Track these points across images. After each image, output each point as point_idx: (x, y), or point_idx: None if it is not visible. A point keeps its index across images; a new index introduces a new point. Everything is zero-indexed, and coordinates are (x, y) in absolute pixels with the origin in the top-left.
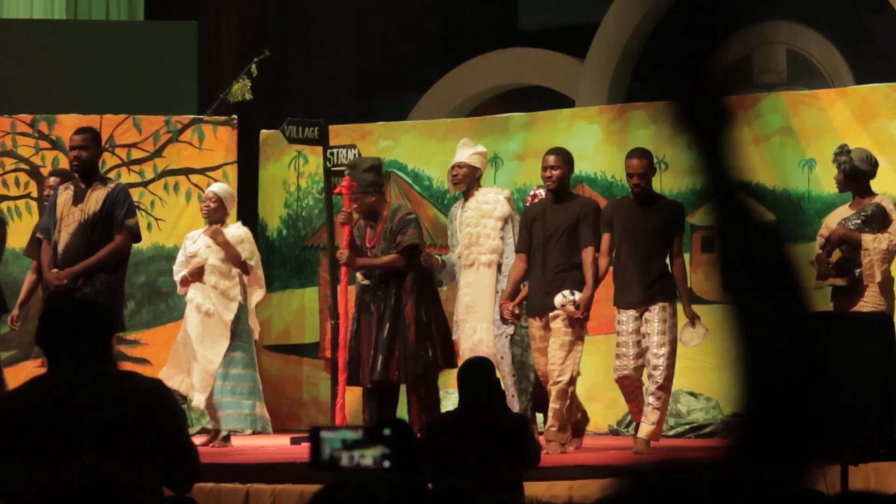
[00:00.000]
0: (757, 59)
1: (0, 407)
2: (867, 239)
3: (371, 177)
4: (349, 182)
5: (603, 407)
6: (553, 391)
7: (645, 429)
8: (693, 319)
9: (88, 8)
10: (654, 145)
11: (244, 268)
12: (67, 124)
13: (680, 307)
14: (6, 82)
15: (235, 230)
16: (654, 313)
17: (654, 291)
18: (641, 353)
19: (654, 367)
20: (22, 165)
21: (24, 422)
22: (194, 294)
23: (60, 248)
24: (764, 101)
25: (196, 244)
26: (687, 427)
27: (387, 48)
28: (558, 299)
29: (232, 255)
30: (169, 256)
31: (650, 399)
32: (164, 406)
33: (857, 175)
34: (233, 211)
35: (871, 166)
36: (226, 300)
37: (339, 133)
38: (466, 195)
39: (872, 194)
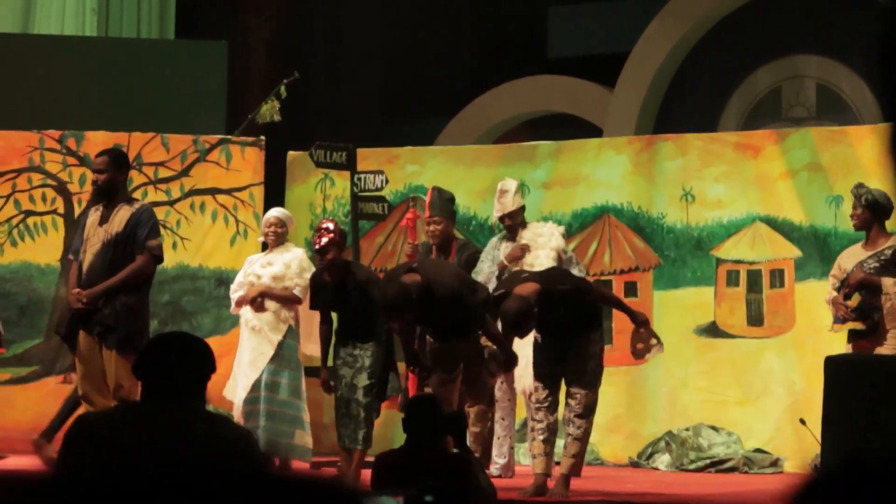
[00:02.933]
0: (787, 93)
1: (85, 425)
2: (888, 283)
3: (452, 207)
4: (415, 213)
5: (623, 438)
6: (471, 413)
7: (565, 463)
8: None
9: (119, 25)
10: (681, 177)
11: (296, 300)
12: (95, 141)
13: None
14: (35, 98)
15: (293, 256)
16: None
17: None
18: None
19: (572, 396)
20: (49, 181)
21: (106, 444)
22: (245, 310)
23: (85, 267)
24: (792, 135)
25: (253, 266)
26: (707, 461)
27: (416, 72)
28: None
29: (286, 301)
30: (194, 276)
31: (569, 429)
32: (254, 459)
33: (877, 209)
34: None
35: (890, 204)
36: (276, 320)
37: (366, 156)
38: (516, 231)
39: (888, 234)
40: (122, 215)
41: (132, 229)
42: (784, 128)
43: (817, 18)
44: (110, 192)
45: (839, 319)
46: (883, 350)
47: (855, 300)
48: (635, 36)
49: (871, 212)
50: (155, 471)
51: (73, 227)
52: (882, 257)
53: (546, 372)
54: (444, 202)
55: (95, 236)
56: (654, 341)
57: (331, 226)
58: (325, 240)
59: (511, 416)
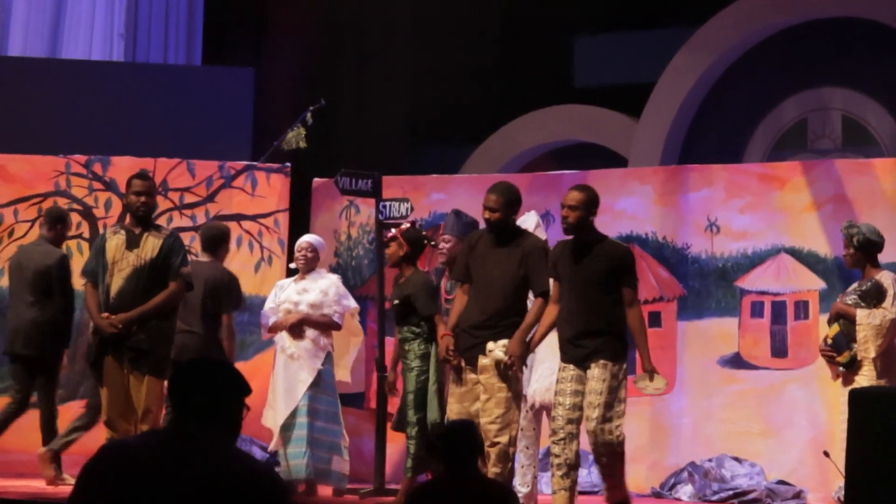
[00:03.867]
0: (812, 125)
1: (108, 452)
2: (861, 314)
3: (468, 230)
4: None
5: (646, 468)
6: (492, 454)
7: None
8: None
9: (146, 50)
10: (706, 208)
11: (336, 327)
12: (122, 166)
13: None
14: (62, 122)
15: (329, 283)
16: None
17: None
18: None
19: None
20: (75, 206)
21: (132, 470)
22: (280, 337)
23: (113, 291)
24: (818, 167)
25: (286, 292)
26: (730, 493)
27: (442, 100)
28: (490, 345)
29: (326, 327)
30: None
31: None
32: (276, 497)
33: (869, 247)
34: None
35: (881, 239)
36: (315, 348)
37: (391, 184)
38: None
39: (879, 268)
40: (153, 241)
41: (166, 256)
42: (810, 159)
43: (844, 50)
44: (150, 215)
45: (826, 359)
46: (859, 380)
47: (833, 330)
48: (661, 66)
49: (863, 251)
50: (174, 501)
51: None
52: (861, 289)
53: (563, 401)
54: (459, 224)
55: (124, 260)
56: (658, 386)
57: (404, 225)
58: (390, 233)
59: (535, 445)
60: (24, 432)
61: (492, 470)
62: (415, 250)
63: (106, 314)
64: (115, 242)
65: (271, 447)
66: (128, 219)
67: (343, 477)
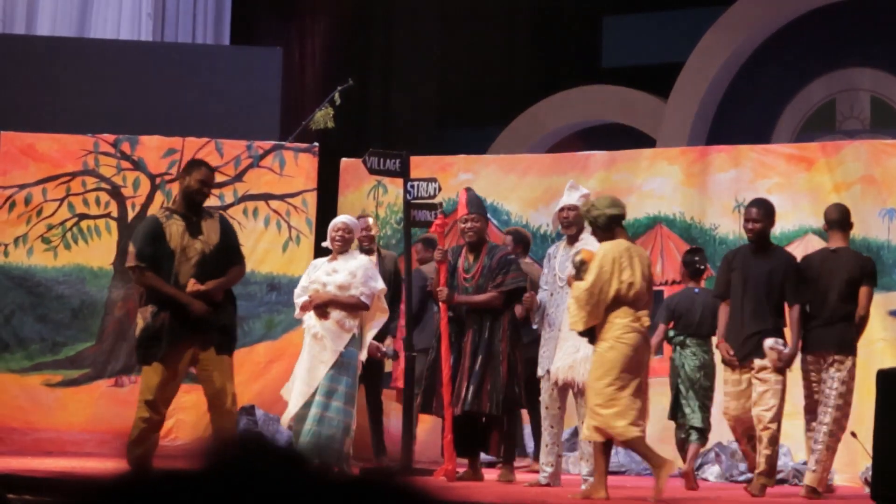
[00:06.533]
0: (841, 106)
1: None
2: (574, 286)
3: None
4: (443, 220)
5: (673, 449)
6: (765, 437)
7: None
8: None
9: (174, 31)
10: (734, 189)
11: (363, 308)
12: (150, 145)
13: None
14: (90, 102)
15: (358, 264)
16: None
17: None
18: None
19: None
20: (103, 185)
21: None
22: (308, 317)
23: (183, 279)
24: (846, 148)
25: (317, 272)
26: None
27: (470, 81)
28: (769, 342)
29: (353, 308)
30: (245, 281)
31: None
32: None
33: (613, 221)
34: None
35: (621, 209)
36: (339, 329)
37: (419, 164)
38: (573, 238)
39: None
40: (212, 226)
41: (226, 239)
42: (837, 140)
43: (873, 31)
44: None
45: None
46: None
47: None
48: (690, 47)
49: (607, 228)
50: None
51: (127, 230)
52: (572, 260)
53: None
54: (480, 202)
55: (191, 248)
56: None
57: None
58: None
59: (560, 425)
60: (52, 411)
61: (763, 451)
62: None
63: (192, 280)
64: (175, 229)
65: (284, 423)
66: (177, 204)
67: (347, 457)
